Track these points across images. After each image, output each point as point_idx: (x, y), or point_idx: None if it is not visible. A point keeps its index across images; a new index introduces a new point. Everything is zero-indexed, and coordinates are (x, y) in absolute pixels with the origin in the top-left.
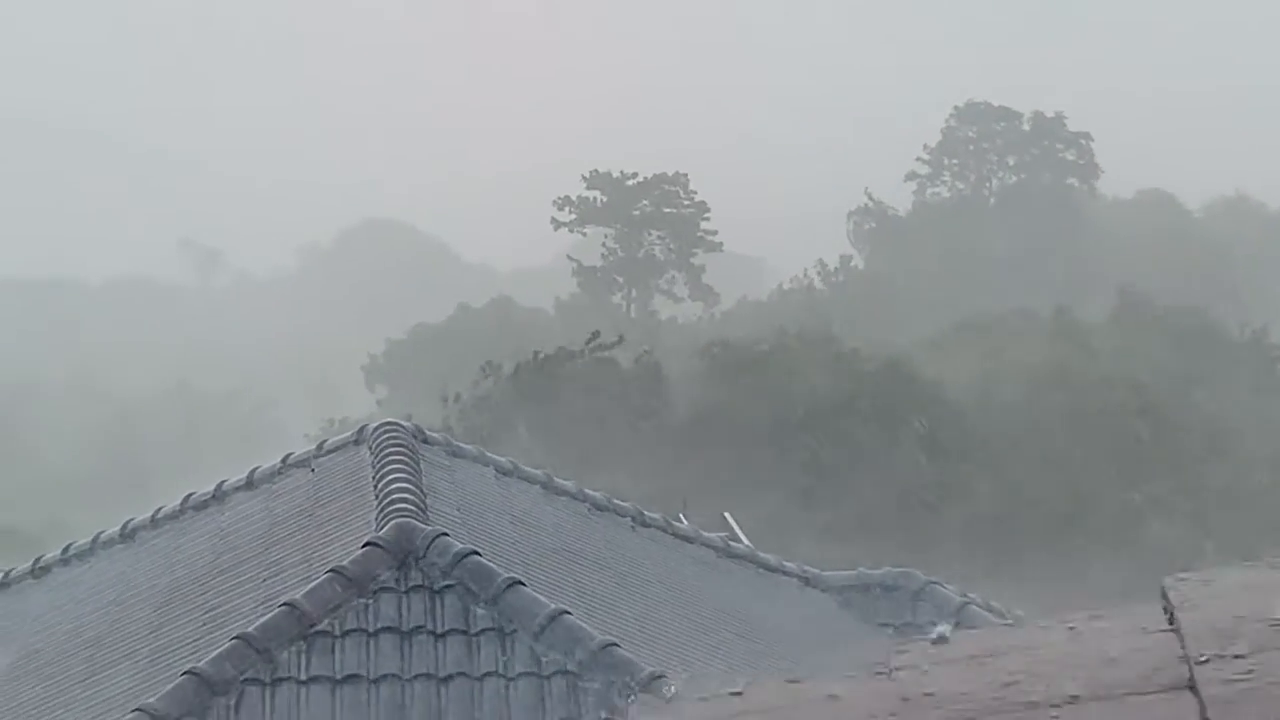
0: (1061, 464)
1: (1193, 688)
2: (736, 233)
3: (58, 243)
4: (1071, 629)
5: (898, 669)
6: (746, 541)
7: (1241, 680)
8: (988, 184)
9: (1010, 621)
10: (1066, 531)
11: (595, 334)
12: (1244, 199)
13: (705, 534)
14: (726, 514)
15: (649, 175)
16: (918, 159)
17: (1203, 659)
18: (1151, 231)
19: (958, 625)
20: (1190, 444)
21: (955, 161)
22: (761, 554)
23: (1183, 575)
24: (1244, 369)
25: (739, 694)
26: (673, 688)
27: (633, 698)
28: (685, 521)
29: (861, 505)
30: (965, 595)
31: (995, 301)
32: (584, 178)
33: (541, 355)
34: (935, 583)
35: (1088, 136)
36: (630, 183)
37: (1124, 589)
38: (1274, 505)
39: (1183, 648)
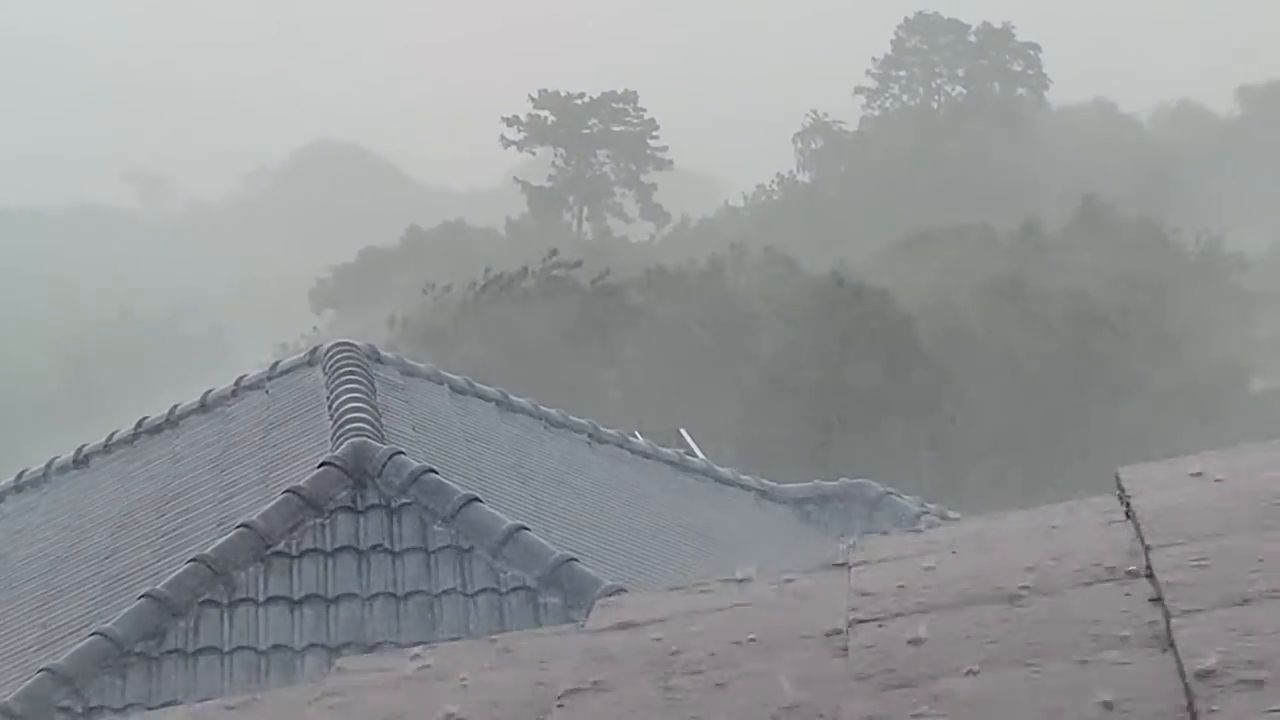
0: (1015, 373)
1: (1149, 575)
2: (687, 150)
3: (8, 173)
4: (1026, 520)
5: (854, 564)
6: (702, 456)
7: (1197, 566)
8: (936, 96)
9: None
10: (1019, 440)
11: (553, 252)
12: (1190, 106)
13: (661, 449)
14: (681, 430)
15: (597, 94)
16: (866, 72)
17: (1159, 546)
18: (1100, 141)
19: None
20: (1144, 351)
21: (903, 74)
22: (718, 468)
23: (1137, 465)
24: (1197, 277)
25: (706, 590)
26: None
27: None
28: (640, 438)
29: (816, 418)
30: (922, 505)
31: (945, 214)
32: (531, 98)
33: (494, 274)
34: (891, 493)
35: (1035, 47)
36: (579, 101)
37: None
38: (1223, 409)
39: (1139, 535)
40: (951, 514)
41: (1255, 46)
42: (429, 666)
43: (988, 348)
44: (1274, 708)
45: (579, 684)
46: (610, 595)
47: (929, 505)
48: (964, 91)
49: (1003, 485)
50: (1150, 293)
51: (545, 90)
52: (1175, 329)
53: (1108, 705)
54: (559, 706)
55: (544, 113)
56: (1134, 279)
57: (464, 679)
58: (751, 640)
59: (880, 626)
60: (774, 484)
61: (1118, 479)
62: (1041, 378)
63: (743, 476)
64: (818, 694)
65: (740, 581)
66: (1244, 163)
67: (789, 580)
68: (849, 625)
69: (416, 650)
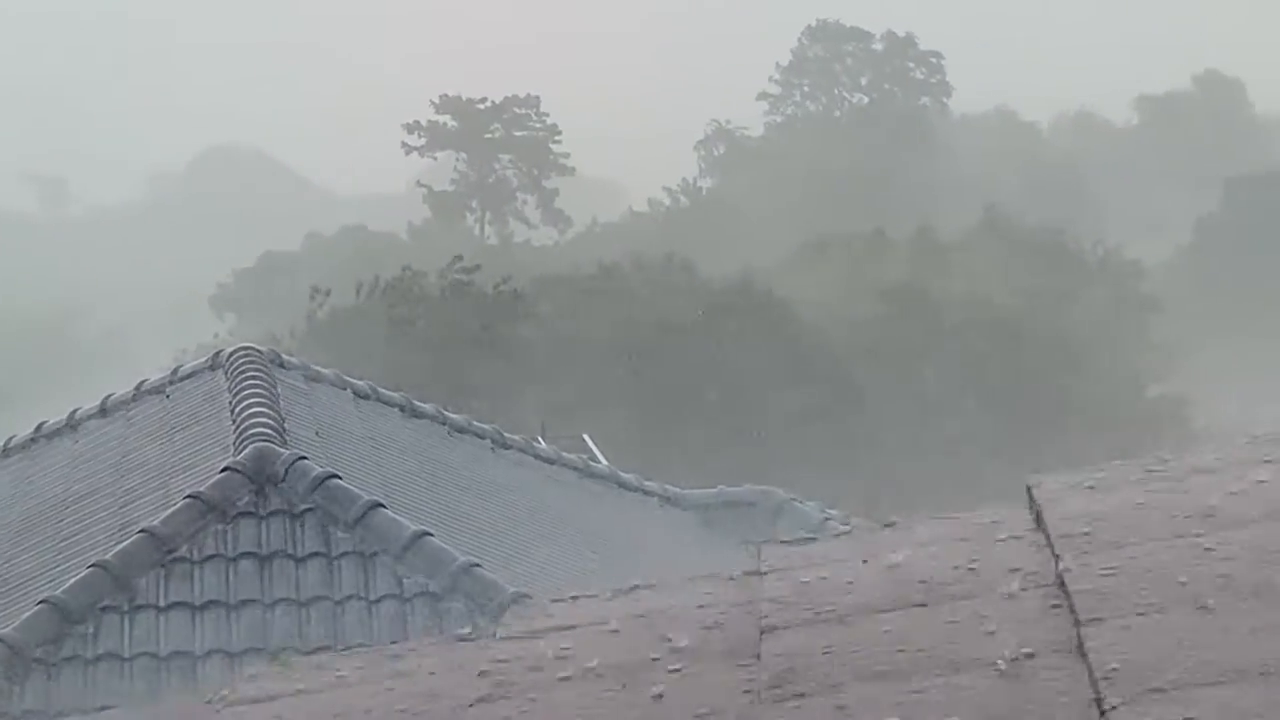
0: (917, 382)
1: (1060, 584)
2: (591, 156)
3: None
4: (936, 529)
5: (767, 572)
6: (605, 462)
7: (1106, 575)
8: (840, 104)
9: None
10: (921, 448)
11: (458, 258)
12: (1088, 115)
13: (565, 455)
14: (585, 436)
15: (500, 99)
16: (770, 79)
17: (1069, 555)
18: (1002, 149)
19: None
20: (1045, 360)
21: (806, 82)
22: (622, 474)
23: (1046, 476)
24: (1098, 285)
25: (625, 592)
26: None
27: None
28: (544, 443)
29: (719, 426)
30: (825, 511)
31: (847, 221)
32: (433, 103)
33: (393, 278)
34: (794, 500)
35: (938, 55)
36: (481, 106)
37: (982, 501)
38: (1123, 416)
39: (1049, 545)
40: (855, 521)
41: (1153, 57)
42: (338, 674)
43: (888, 355)
44: (1181, 713)
45: (490, 691)
46: (520, 602)
47: (831, 512)
48: (867, 99)
49: (905, 493)
50: (1050, 300)
51: (447, 95)
52: (1075, 336)
53: (1019, 710)
54: (470, 711)
55: (446, 118)
56: (1034, 286)
57: (374, 686)
58: (665, 647)
59: (793, 633)
60: (678, 490)
61: (1028, 490)
62: (942, 385)
63: (646, 483)
64: (732, 700)
65: (651, 588)
66: (1141, 171)
67: (702, 587)
68: (762, 633)
69: (324, 658)
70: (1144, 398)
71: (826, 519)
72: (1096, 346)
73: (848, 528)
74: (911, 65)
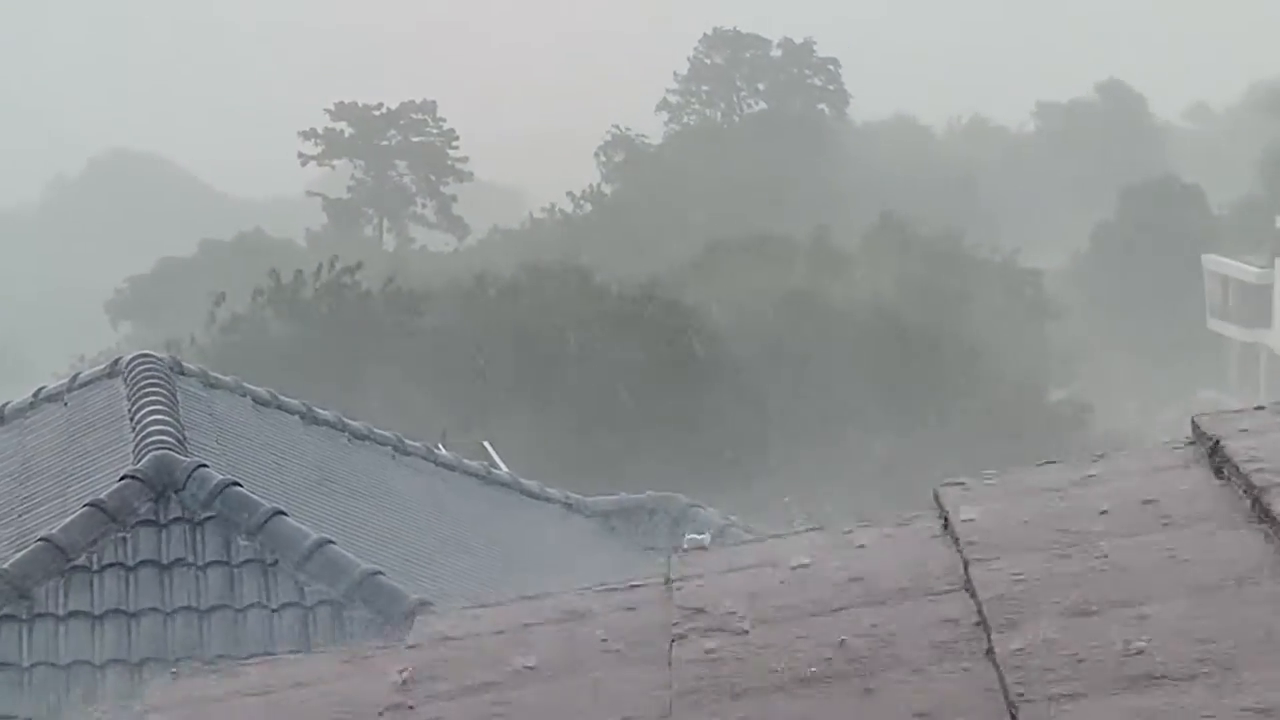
0: (816, 388)
1: (969, 590)
2: (491, 163)
3: None
4: (846, 536)
5: (678, 579)
6: (506, 469)
7: (1016, 580)
8: (738, 111)
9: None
10: (819, 453)
11: (334, 258)
12: (982, 122)
13: (466, 462)
14: (486, 443)
15: (396, 105)
16: (668, 89)
17: (978, 561)
18: (901, 156)
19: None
20: (945, 366)
21: (706, 89)
22: (524, 481)
23: (953, 480)
24: (996, 292)
25: (536, 598)
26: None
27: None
28: (444, 450)
29: (619, 433)
30: (726, 517)
31: (748, 227)
32: (328, 111)
33: (275, 285)
34: (696, 506)
35: (835, 62)
36: (377, 113)
37: (886, 505)
38: (1024, 421)
39: (958, 551)
40: (757, 527)
41: (1056, 66)
42: (244, 683)
43: (787, 360)
44: (1093, 718)
45: (400, 700)
46: (424, 610)
47: (732, 518)
48: (765, 106)
49: (809, 499)
50: (948, 306)
51: (343, 102)
52: (975, 342)
53: (931, 713)
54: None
55: (341, 125)
56: (932, 292)
57: (281, 695)
58: (577, 655)
59: (704, 640)
60: (580, 497)
61: (935, 495)
62: (842, 390)
63: (548, 489)
64: (645, 709)
65: (562, 595)
66: (1040, 179)
67: (614, 593)
68: (674, 640)
69: (230, 666)
70: (1045, 403)
71: (728, 525)
72: (996, 352)
73: (751, 534)
74: (809, 72)
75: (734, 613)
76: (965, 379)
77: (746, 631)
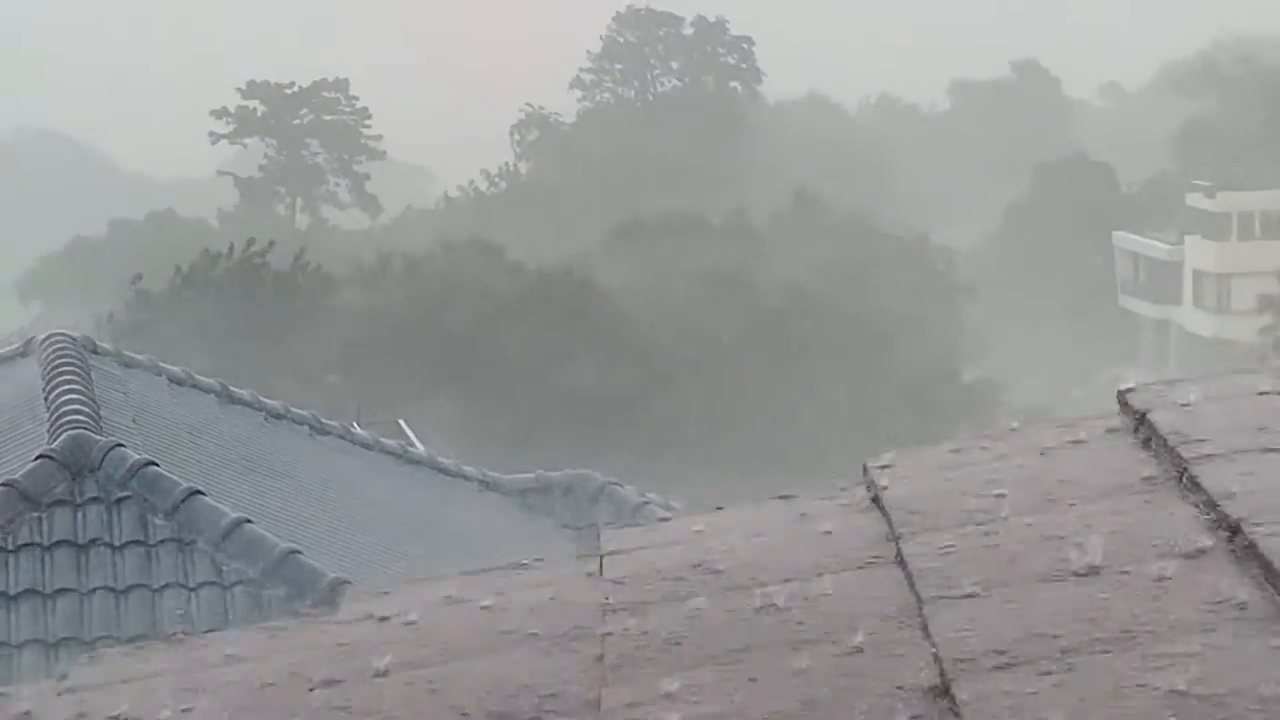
0: (730, 365)
1: (900, 562)
2: (404, 142)
3: None
4: (775, 510)
5: (606, 554)
6: (422, 447)
7: (945, 553)
8: (651, 89)
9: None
10: (738, 430)
11: (251, 241)
12: (892, 100)
13: (383, 440)
14: (401, 421)
15: (308, 83)
16: (581, 68)
17: (909, 534)
18: (813, 134)
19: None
20: (860, 344)
21: (619, 67)
22: (440, 459)
23: (882, 456)
24: (909, 270)
25: (463, 575)
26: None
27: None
28: (360, 429)
29: (533, 411)
30: (643, 495)
31: (662, 206)
32: (239, 90)
33: (187, 266)
34: (613, 483)
35: (749, 41)
36: (289, 91)
37: (803, 482)
38: (937, 400)
39: (888, 524)
40: (674, 505)
41: (971, 45)
42: (174, 661)
43: (702, 338)
44: (1024, 688)
45: (331, 675)
46: (342, 588)
47: (650, 495)
48: (679, 84)
49: (726, 476)
50: (862, 284)
51: (254, 80)
52: (888, 320)
53: (865, 690)
54: (311, 696)
55: (253, 103)
56: (846, 271)
57: (209, 673)
58: (507, 630)
59: (634, 616)
60: (496, 475)
61: (865, 469)
62: (756, 369)
63: (465, 467)
64: (576, 682)
65: (489, 572)
66: (953, 157)
67: (540, 570)
68: (605, 614)
69: (157, 645)
70: (958, 381)
71: (644, 503)
72: (909, 330)
73: (668, 512)
74: (722, 51)
75: (666, 588)
76: (879, 356)
77: (678, 605)
